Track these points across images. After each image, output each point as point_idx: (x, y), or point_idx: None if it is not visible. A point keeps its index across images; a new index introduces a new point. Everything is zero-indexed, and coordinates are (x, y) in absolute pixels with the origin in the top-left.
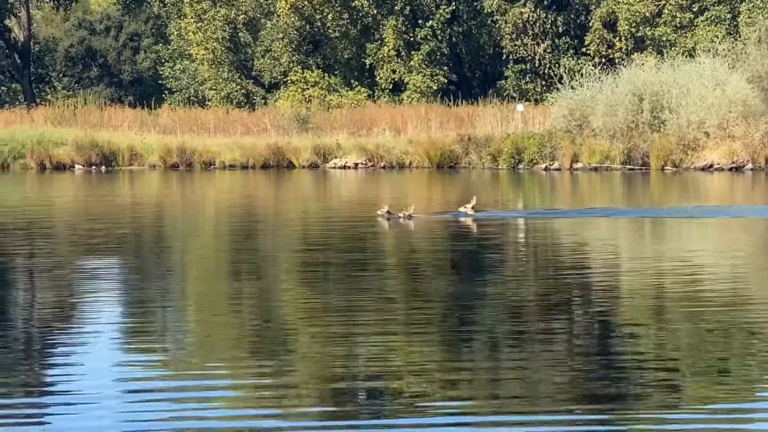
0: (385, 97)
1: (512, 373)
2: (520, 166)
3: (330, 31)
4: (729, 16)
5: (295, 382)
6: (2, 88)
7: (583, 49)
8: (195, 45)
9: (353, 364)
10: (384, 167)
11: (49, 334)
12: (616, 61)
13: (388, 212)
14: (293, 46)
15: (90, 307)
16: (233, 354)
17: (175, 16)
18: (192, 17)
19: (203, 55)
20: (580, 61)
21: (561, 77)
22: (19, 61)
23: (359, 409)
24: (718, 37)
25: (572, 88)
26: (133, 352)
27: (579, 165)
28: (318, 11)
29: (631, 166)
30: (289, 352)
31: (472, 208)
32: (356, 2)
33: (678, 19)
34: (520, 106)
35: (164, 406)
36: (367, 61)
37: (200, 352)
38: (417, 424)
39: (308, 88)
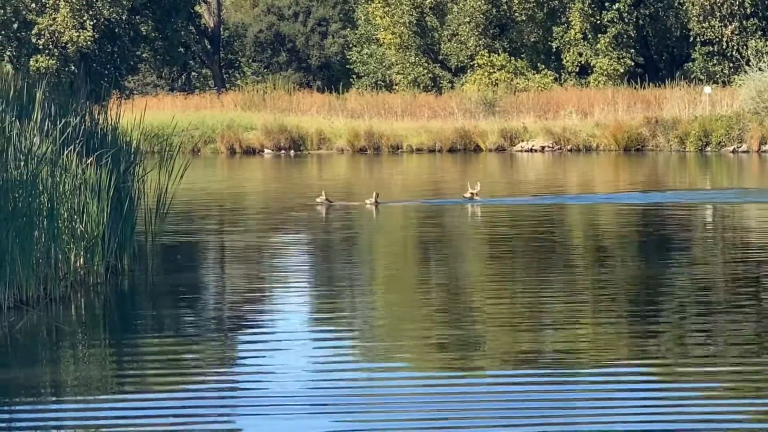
0: (571, 80)
1: (699, 335)
2: (708, 148)
3: (516, 14)
4: None
5: (484, 359)
6: (193, 73)
7: None
8: (382, 29)
9: (541, 339)
10: (570, 150)
11: (239, 314)
12: None
13: (327, 200)
14: (480, 30)
15: (279, 287)
16: (423, 349)
17: (363, 1)
18: (379, 2)
19: (390, 39)
20: None
21: (749, 59)
22: (209, 46)
23: (545, 371)
24: None
25: (760, 69)
26: (321, 332)
27: (767, 147)
28: None
29: None
30: (478, 345)
31: (476, 194)
32: None
33: None
34: (707, 89)
35: (353, 386)
36: (554, 45)
37: (388, 332)
38: (605, 381)
39: (495, 72)
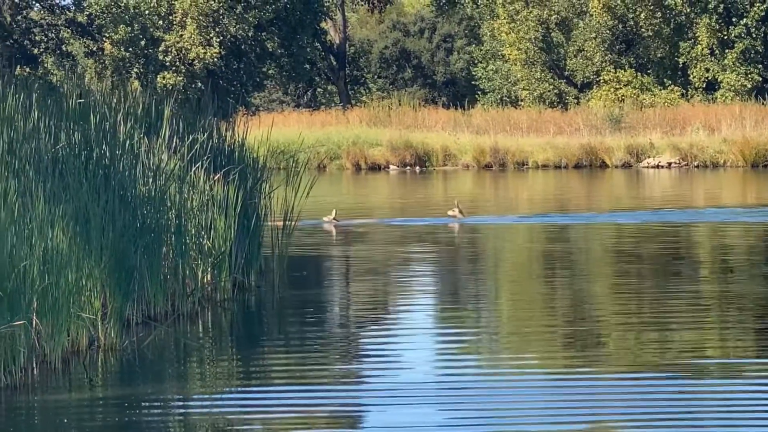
0: (698, 95)
1: None
2: None
3: (643, 30)
4: None
5: (609, 376)
6: (318, 89)
7: None
8: (508, 45)
9: (666, 355)
10: (697, 166)
11: (364, 326)
12: None
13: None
14: (606, 46)
15: (403, 298)
16: (545, 348)
17: (488, 17)
18: (505, 18)
19: (516, 55)
20: None
21: None
22: (334, 63)
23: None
24: None
25: None
26: (446, 345)
27: None
28: (631, 10)
29: None
30: (601, 345)
31: (460, 212)
32: (669, 1)
33: None
34: None
35: (479, 399)
36: (681, 60)
37: (513, 346)
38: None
39: (621, 88)
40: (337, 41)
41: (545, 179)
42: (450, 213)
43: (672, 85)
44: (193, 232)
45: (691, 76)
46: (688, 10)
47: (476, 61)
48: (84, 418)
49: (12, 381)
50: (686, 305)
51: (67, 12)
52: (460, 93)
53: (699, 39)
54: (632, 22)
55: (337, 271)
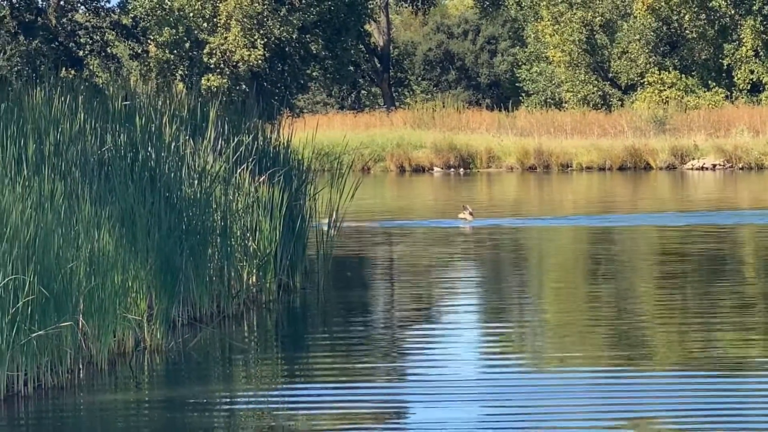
0: (743, 97)
1: None
2: None
3: (687, 32)
4: None
5: (652, 374)
6: (362, 92)
7: None
8: (552, 47)
9: (710, 353)
10: (742, 168)
11: (408, 328)
12: None
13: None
14: (650, 48)
15: (447, 300)
16: (588, 346)
17: (532, 19)
18: (549, 20)
19: (560, 57)
20: None
21: None
22: (378, 65)
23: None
24: None
25: None
26: (489, 343)
27: None
28: (675, 12)
29: None
30: (644, 343)
31: (470, 214)
32: (714, 3)
33: None
34: None
35: (522, 399)
36: (725, 62)
37: (556, 346)
38: None
39: (665, 90)
40: (381, 43)
41: (589, 181)
42: (460, 216)
43: (716, 87)
44: (239, 233)
45: (736, 78)
46: (733, 12)
47: (520, 63)
48: (130, 419)
49: (59, 381)
50: (729, 305)
51: (112, 14)
52: (503, 95)
53: (743, 41)
54: (676, 24)
55: (381, 272)
